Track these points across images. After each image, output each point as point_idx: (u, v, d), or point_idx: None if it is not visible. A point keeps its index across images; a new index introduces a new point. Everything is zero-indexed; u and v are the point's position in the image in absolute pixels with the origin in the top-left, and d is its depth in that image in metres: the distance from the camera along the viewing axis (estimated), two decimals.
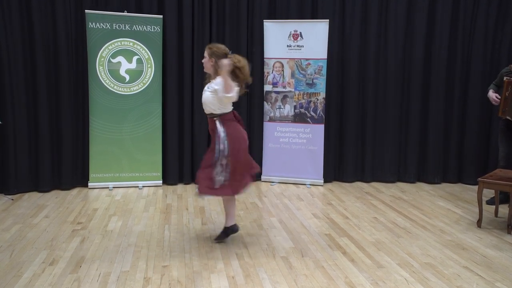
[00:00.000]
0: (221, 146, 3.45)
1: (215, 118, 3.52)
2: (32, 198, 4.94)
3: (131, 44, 5.32)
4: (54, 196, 5.02)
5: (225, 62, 3.33)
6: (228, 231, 3.74)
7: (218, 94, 3.41)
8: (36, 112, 5.12)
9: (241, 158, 3.54)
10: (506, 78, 4.39)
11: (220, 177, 3.47)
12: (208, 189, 3.50)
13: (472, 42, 5.74)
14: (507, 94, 4.32)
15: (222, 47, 3.57)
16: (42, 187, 5.16)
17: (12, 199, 4.87)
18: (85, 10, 5.13)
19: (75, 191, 5.26)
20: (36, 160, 5.16)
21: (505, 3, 5.64)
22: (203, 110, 3.61)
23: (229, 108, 3.57)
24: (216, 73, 3.50)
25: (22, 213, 4.43)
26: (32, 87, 5.09)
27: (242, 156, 3.55)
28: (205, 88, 3.57)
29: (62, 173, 5.25)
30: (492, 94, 4.73)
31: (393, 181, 5.87)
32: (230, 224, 3.72)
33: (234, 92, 3.39)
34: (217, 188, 3.49)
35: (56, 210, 4.54)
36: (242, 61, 3.52)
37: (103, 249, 3.57)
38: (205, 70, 3.61)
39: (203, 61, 3.59)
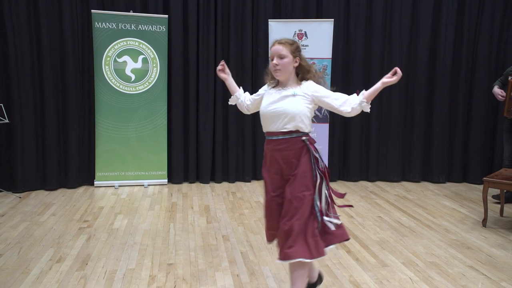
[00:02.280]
0: (318, 178, 2.47)
1: (303, 138, 2.50)
2: (39, 196, 4.97)
3: (136, 43, 5.34)
4: (61, 195, 5.06)
5: (399, 72, 2.62)
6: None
7: (345, 111, 2.58)
8: (43, 111, 5.16)
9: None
10: (511, 78, 4.38)
11: (332, 219, 2.49)
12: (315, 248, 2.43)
13: (477, 42, 5.71)
14: (511, 94, 4.31)
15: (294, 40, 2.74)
16: (49, 186, 5.20)
17: (20, 197, 4.91)
18: (91, 10, 5.16)
19: (81, 189, 5.29)
20: (43, 159, 5.20)
21: (511, 4, 5.62)
22: (270, 124, 2.55)
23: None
24: (296, 76, 2.59)
25: (29, 211, 4.46)
26: (39, 87, 5.13)
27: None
28: (275, 93, 2.56)
29: (68, 171, 5.29)
30: (497, 90, 4.73)
31: (397, 180, 5.86)
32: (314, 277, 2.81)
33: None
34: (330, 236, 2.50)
35: (62, 208, 4.57)
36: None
37: (109, 247, 3.59)
38: (279, 75, 2.54)
39: (280, 62, 2.51)
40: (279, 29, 5.56)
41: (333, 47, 5.48)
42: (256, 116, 5.99)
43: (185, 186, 5.54)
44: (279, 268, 3.25)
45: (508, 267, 3.36)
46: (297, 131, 2.49)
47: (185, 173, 5.65)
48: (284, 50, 2.52)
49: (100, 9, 5.23)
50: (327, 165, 2.68)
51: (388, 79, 2.66)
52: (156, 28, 5.36)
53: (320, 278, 2.86)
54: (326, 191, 2.50)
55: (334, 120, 5.72)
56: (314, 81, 2.62)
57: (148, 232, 3.94)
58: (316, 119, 5.60)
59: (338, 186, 5.63)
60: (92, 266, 3.23)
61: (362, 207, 4.78)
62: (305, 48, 5.54)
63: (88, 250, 3.51)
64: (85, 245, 3.61)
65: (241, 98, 2.85)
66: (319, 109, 5.57)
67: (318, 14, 5.68)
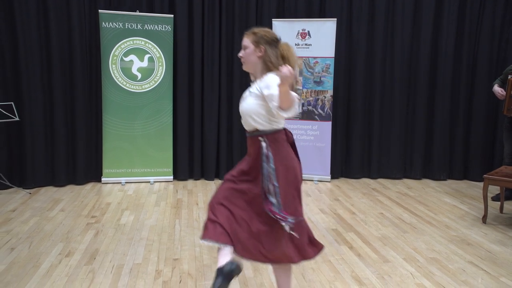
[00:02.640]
0: (270, 186, 2.23)
1: (260, 138, 2.30)
2: (48, 192, 5.00)
3: (143, 43, 5.35)
4: (69, 191, 5.08)
5: (285, 70, 2.03)
6: None
7: (272, 108, 2.20)
8: (52, 109, 5.17)
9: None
10: (511, 77, 4.36)
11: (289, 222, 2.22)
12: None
13: (478, 41, 5.69)
14: (511, 93, 4.29)
15: (270, 30, 2.40)
16: (58, 182, 5.22)
17: (30, 193, 4.93)
18: (99, 10, 5.16)
19: (89, 185, 5.31)
20: (52, 156, 5.22)
21: (511, 3, 5.58)
22: (242, 123, 2.41)
23: (282, 124, 2.36)
24: (266, 69, 2.34)
25: (39, 207, 4.49)
26: (48, 85, 5.14)
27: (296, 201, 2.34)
28: (246, 92, 2.38)
29: (76, 168, 5.31)
30: (497, 88, 4.71)
31: (399, 178, 5.85)
32: None
33: (295, 108, 2.22)
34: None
35: (71, 204, 4.59)
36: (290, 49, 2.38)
37: (116, 242, 3.61)
38: (245, 67, 2.40)
39: (244, 54, 2.36)
40: (283, 28, 5.55)
41: (336, 46, 5.46)
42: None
43: (190, 183, 5.55)
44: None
45: (507, 263, 3.36)
46: (256, 130, 2.31)
47: (190, 170, 5.66)
48: (246, 40, 2.38)
49: (107, 9, 5.23)
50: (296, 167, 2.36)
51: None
52: (162, 28, 5.36)
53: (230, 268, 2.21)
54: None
55: (337, 118, 5.71)
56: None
57: (154, 227, 3.95)
58: (319, 117, 5.59)
59: (341, 183, 5.63)
60: (100, 261, 3.25)
61: (364, 204, 4.78)
62: (308, 47, 5.53)
63: (96, 245, 3.53)
64: (93, 240, 3.63)
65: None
66: (322, 107, 5.57)
67: (321, 13, 5.66)
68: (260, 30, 2.38)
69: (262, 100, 2.26)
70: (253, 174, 2.31)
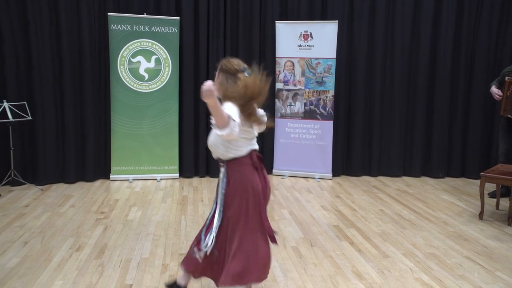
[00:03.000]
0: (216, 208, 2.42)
1: (221, 164, 2.41)
2: (59, 189, 5.05)
3: (150, 44, 5.38)
4: (79, 187, 5.13)
5: (205, 85, 2.09)
6: None
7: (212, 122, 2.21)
8: (63, 109, 5.22)
9: (244, 220, 2.33)
10: (508, 78, 4.37)
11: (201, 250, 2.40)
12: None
13: (476, 43, 5.70)
14: (508, 94, 4.30)
15: (235, 62, 2.40)
16: (68, 179, 5.27)
17: (42, 189, 4.98)
18: (108, 13, 5.20)
19: (98, 182, 5.35)
20: (63, 154, 5.27)
21: (508, 5, 5.60)
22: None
23: (245, 149, 2.37)
24: (225, 97, 2.34)
25: (50, 202, 4.54)
26: (59, 86, 5.20)
27: (248, 216, 2.34)
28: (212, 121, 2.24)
29: (86, 166, 5.35)
30: (494, 90, 4.72)
31: (398, 175, 5.86)
32: None
33: (230, 128, 2.15)
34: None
35: (81, 200, 4.64)
36: (252, 80, 2.28)
37: (124, 237, 3.64)
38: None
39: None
40: (286, 30, 5.57)
41: (337, 47, 5.47)
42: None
43: (195, 180, 5.58)
44: (285, 259, 3.28)
45: (503, 258, 3.38)
46: (218, 158, 2.43)
47: (195, 167, 5.70)
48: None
49: (116, 12, 5.27)
50: (252, 187, 2.34)
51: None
52: (168, 30, 5.39)
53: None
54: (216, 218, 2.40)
55: (338, 117, 5.73)
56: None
57: (161, 223, 3.99)
58: (321, 116, 5.61)
59: (342, 181, 5.65)
60: (108, 255, 3.29)
61: (365, 201, 4.80)
62: (310, 49, 5.55)
63: (105, 240, 3.57)
64: (102, 235, 3.67)
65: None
66: (324, 106, 5.59)
67: (323, 15, 5.68)
68: (225, 61, 2.41)
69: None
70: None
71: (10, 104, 4.84)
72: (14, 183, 5.02)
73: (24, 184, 5.06)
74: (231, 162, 2.36)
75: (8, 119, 4.76)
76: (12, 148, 4.94)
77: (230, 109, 2.22)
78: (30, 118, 4.93)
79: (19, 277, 2.95)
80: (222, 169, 2.40)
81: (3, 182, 4.98)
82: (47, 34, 5.06)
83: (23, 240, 3.56)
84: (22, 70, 5.05)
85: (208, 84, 2.08)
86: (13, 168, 4.98)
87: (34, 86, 5.08)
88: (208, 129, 5.64)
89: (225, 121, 2.13)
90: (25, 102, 4.97)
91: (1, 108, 4.76)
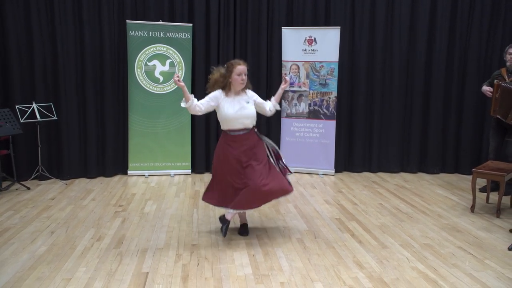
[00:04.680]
0: (272, 149, 3.46)
1: (255, 130, 3.39)
2: (81, 183, 5.10)
3: (164, 49, 5.40)
4: (99, 182, 5.17)
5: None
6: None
7: (266, 107, 3.44)
8: (85, 110, 5.27)
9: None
10: (496, 81, 4.35)
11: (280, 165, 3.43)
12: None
13: (468, 48, 5.66)
14: (497, 96, 4.27)
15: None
16: (90, 174, 5.32)
17: (66, 184, 5.04)
18: (127, 21, 5.23)
19: (116, 178, 5.39)
20: (85, 151, 5.32)
21: (496, 14, 5.59)
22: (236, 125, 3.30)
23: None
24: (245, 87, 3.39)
25: (74, 196, 4.59)
26: (81, 88, 5.25)
27: None
28: (242, 103, 3.30)
29: (106, 162, 5.40)
30: (485, 88, 4.71)
31: (397, 172, 5.83)
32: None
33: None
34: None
35: (101, 194, 4.68)
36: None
37: (140, 228, 3.67)
38: (243, 87, 3.34)
39: (245, 78, 3.30)
40: (291, 36, 5.55)
41: (339, 51, 5.45)
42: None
43: (207, 175, 5.59)
44: (290, 249, 3.29)
45: (492, 247, 3.36)
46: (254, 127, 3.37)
47: (207, 164, 5.71)
48: (246, 69, 3.28)
49: (133, 19, 5.30)
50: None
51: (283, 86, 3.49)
52: (182, 35, 5.41)
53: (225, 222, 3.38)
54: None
55: (341, 117, 5.71)
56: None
57: (175, 216, 4.01)
58: (324, 116, 5.60)
59: (344, 176, 5.63)
60: (126, 245, 3.31)
61: (365, 195, 4.78)
62: (314, 53, 5.53)
63: (123, 231, 3.60)
64: (120, 227, 3.70)
65: (195, 102, 3.31)
66: (327, 107, 5.57)
67: (326, 22, 5.65)
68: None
69: (260, 106, 3.41)
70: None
71: (38, 105, 4.89)
72: (41, 177, 5.09)
73: (51, 178, 5.12)
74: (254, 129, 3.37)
75: (37, 119, 4.82)
76: (40, 146, 5.00)
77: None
78: (56, 118, 4.98)
79: (48, 263, 2.99)
80: (256, 131, 3.37)
81: (32, 177, 5.05)
82: (71, 42, 5.11)
83: (50, 230, 3.60)
84: (49, 75, 5.12)
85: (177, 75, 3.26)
86: (41, 164, 5.04)
87: (59, 89, 5.14)
88: (218, 128, 5.64)
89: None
90: (51, 103, 5.02)
91: (31, 109, 4.82)
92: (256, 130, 3.38)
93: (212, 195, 3.41)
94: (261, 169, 3.22)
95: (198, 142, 5.63)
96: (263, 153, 3.35)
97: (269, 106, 3.46)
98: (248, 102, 3.30)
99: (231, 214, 3.36)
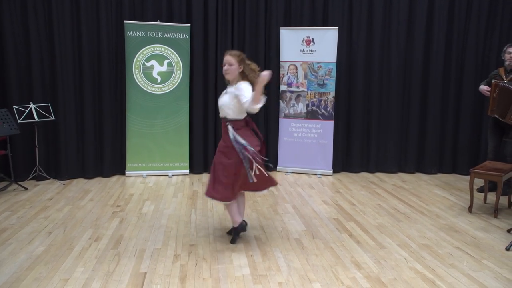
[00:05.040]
0: (241, 149, 3.11)
1: (227, 123, 3.15)
2: (79, 184, 5.08)
3: (162, 49, 5.40)
4: (97, 182, 5.16)
5: (266, 73, 2.91)
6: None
7: (244, 104, 3.01)
8: (83, 110, 5.26)
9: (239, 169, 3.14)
10: (494, 81, 4.36)
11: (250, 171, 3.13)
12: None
13: (465, 48, 5.69)
14: (494, 95, 4.28)
15: (240, 52, 3.23)
16: (87, 174, 5.31)
17: (64, 184, 5.03)
18: (124, 21, 5.22)
19: (114, 178, 5.38)
20: (83, 151, 5.31)
21: (493, 16, 5.61)
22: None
23: (243, 115, 3.19)
24: (241, 79, 3.15)
25: (71, 196, 4.57)
26: (79, 88, 5.23)
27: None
28: (224, 91, 3.24)
29: (103, 162, 5.38)
30: (483, 87, 4.73)
31: (395, 172, 5.84)
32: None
33: (261, 103, 3.02)
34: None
35: (99, 194, 4.67)
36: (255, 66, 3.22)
37: (138, 229, 3.66)
38: (227, 76, 3.16)
39: (228, 68, 3.11)
40: (289, 36, 5.56)
41: (337, 52, 5.46)
42: (268, 113, 5.99)
43: (204, 176, 5.59)
44: (288, 250, 3.29)
45: (489, 247, 3.37)
46: (225, 117, 3.18)
47: (204, 164, 5.71)
48: (231, 59, 3.13)
49: (131, 20, 5.29)
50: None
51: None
52: (180, 36, 5.40)
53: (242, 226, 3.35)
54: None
55: (338, 117, 5.72)
56: (252, 81, 3.12)
57: (172, 216, 4.00)
58: (322, 116, 5.60)
59: (342, 177, 5.64)
60: (124, 245, 3.31)
61: (363, 195, 4.79)
62: (312, 53, 5.54)
63: (121, 231, 3.59)
64: (118, 227, 3.69)
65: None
66: (325, 107, 5.58)
67: (324, 22, 5.66)
68: (240, 53, 3.17)
69: (235, 99, 3.09)
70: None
71: (36, 106, 4.88)
72: (39, 178, 5.07)
73: (48, 179, 5.11)
74: (234, 122, 3.13)
75: (34, 119, 4.81)
76: (38, 146, 4.99)
77: (249, 87, 3.07)
78: (53, 118, 4.97)
79: (45, 263, 2.98)
80: (229, 127, 3.12)
81: (30, 177, 5.03)
82: (69, 42, 5.10)
83: (47, 230, 3.59)
84: (47, 75, 5.10)
85: (269, 73, 2.91)
86: (38, 164, 5.02)
87: (57, 89, 5.13)
88: (216, 128, 5.66)
89: (261, 100, 2.99)
90: (49, 104, 5.01)
91: (28, 109, 4.80)
92: (231, 127, 3.12)
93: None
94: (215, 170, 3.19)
95: (196, 142, 5.62)
96: (230, 154, 3.15)
97: (246, 102, 3.02)
98: (226, 93, 3.18)
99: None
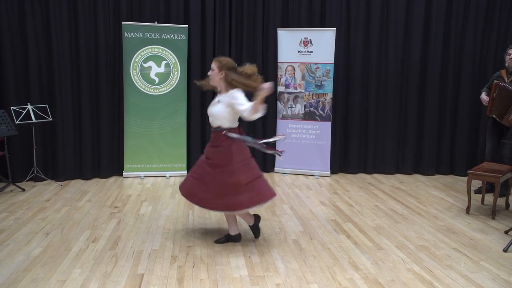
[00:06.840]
0: (254, 142, 3.17)
1: (223, 132, 3.12)
2: (77, 185, 5.08)
3: (160, 50, 5.39)
4: (95, 183, 5.15)
5: (267, 85, 2.89)
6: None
7: (243, 112, 3.00)
8: (80, 111, 5.25)
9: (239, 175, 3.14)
10: (496, 81, 4.36)
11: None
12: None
13: (463, 49, 5.70)
14: (494, 95, 4.29)
15: (230, 59, 3.19)
16: (85, 175, 5.30)
17: (61, 185, 5.02)
18: (122, 22, 5.22)
19: (112, 179, 5.37)
20: (80, 152, 5.30)
21: (490, 18, 5.63)
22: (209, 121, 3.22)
23: (237, 123, 3.21)
24: (229, 86, 3.12)
25: (69, 197, 4.57)
26: (77, 90, 5.23)
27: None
28: (216, 100, 3.18)
29: (101, 163, 5.38)
30: (484, 97, 4.70)
31: (392, 173, 5.85)
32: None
33: (260, 113, 3.01)
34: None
35: (96, 195, 4.66)
36: (253, 68, 3.17)
37: (136, 230, 3.66)
38: (211, 83, 3.18)
39: (210, 74, 3.15)
40: (287, 37, 5.57)
41: (335, 53, 5.47)
42: (266, 114, 5.99)
43: None
44: (286, 251, 3.29)
45: (487, 249, 3.38)
46: (219, 126, 3.15)
47: None
48: (214, 65, 3.14)
49: (129, 21, 5.29)
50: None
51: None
52: (177, 37, 5.40)
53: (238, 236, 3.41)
54: None
55: (336, 118, 5.73)
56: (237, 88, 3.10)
57: (170, 217, 4.00)
58: (320, 117, 5.61)
59: (339, 178, 5.65)
60: (122, 246, 3.30)
61: (361, 196, 4.80)
62: (310, 54, 5.55)
63: (118, 232, 3.59)
64: (115, 228, 3.69)
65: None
66: (323, 108, 5.59)
67: (322, 23, 5.67)
68: (224, 59, 3.13)
69: (228, 107, 3.07)
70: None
71: (33, 107, 4.87)
72: (36, 179, 5.07)
73: (46, 180, 5.10)
74: (230, 131, 3.11)
75: (32, 120, 4.80)
76: (35, 147, 4.97)
77: (243, 95, 3.07)
78: (51, 119, 4.96)
79: (42, 264, 2.98)
80: (226, 134, 3.09)
81: (27, 178, 5.02)
82: (67, 43, 5.09)
83: (45, 231, 3.58)
84: (44, 76, 5.10)
85: (270, 85, 2.89)
86: (36, 165, 5.01)
87: (54, 90, 5.12)
88: None
89: (260, 109, 2.95)
90: (47, 105, 5.00)
91: (26, 110, 4.80)
92: (228, 135, 3.11)
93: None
94: (208, 180, 3.16)
95: (193, 143, 5.62)
96: (225, 162, 3.13)
97: (245, 111, 3.02)
98: (219, 101, 3.14)
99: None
